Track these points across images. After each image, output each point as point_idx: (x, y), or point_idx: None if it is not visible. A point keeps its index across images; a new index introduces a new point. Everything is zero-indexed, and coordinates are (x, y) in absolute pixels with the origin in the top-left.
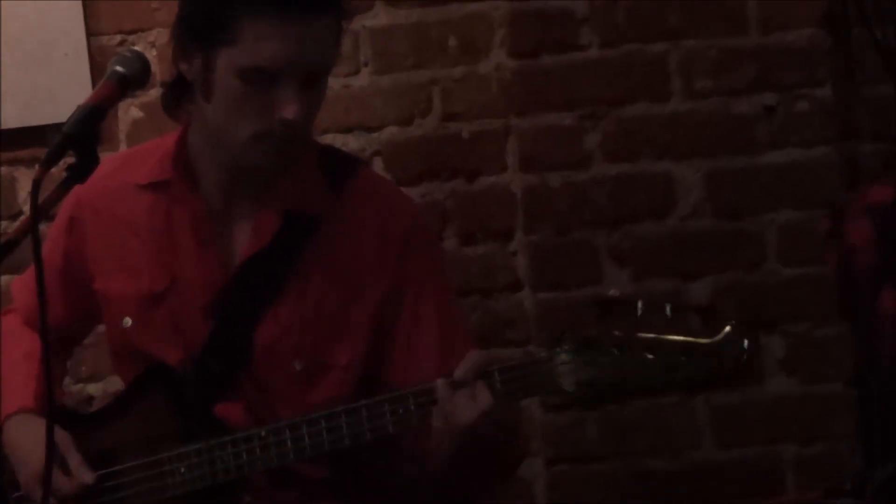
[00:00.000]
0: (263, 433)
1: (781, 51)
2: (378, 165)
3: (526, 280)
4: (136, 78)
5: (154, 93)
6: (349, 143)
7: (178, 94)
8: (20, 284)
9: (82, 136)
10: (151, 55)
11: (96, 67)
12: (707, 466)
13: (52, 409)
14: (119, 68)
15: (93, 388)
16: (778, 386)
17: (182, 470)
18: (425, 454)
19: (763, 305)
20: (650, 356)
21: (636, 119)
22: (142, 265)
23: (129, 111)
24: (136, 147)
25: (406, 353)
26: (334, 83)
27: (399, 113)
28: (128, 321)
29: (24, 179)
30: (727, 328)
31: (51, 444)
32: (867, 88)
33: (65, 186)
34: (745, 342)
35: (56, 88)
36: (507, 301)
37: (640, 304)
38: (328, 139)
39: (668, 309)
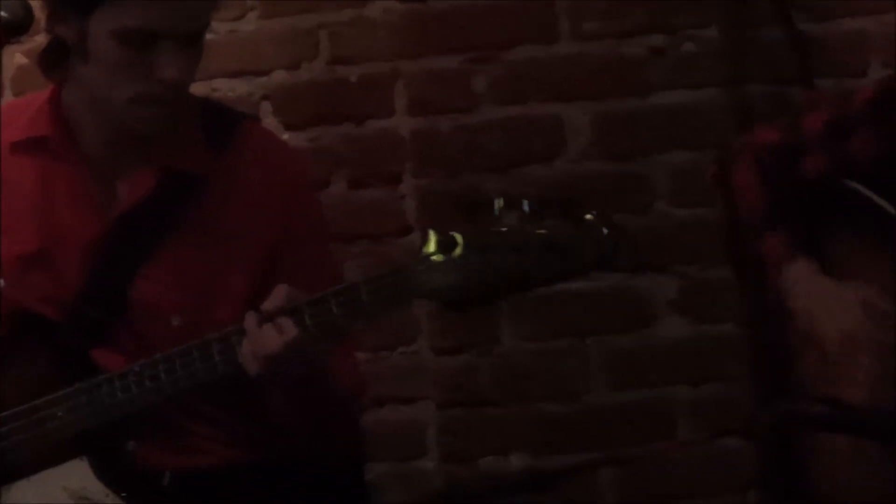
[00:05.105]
0: (138, 368)
1: None
2: (266, 110)
3: (415, 224)
4: (19, 23)
5: (40, 38)
6: (237, 88)
7: (55, 56)
8: None
9: None
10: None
11: None
12: (601, 409)
13: None
14: (1, 13)
15: None
16: (670, 328)
17: (59, 413)
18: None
19: (654, 247)
20: (515, 252)
21: (524, 62)
22: (16, 225)
23: (15, 57)
24: (8, 103)
25: None
26: (221, 28)
27: (287, 57)
28: (1, 282)
29: None
30: (587, 217)
31: None
32: (757, 31)
33: None
34: (605, 230)
35: None
36: (397, 245)
37: (498, 202)
38: (216, 84)
39: (526, 205)
